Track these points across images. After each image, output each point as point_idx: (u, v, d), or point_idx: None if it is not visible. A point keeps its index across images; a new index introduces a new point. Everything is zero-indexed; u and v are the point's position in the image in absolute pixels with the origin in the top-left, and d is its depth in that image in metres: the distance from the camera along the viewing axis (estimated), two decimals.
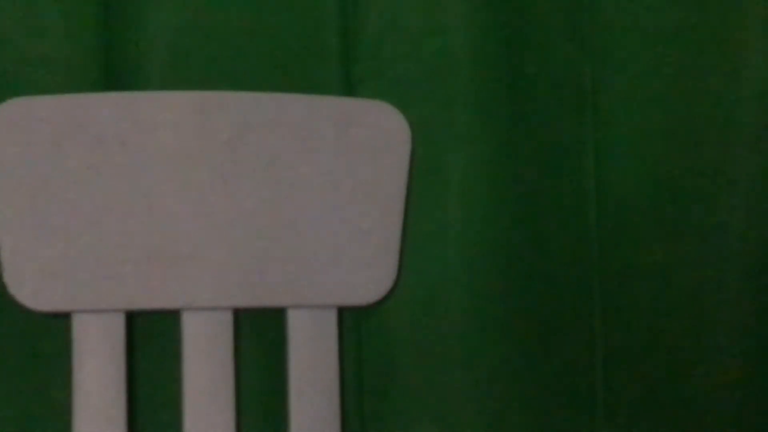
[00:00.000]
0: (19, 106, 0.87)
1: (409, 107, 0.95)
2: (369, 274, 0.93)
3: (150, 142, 0.89)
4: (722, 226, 1.03)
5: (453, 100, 0.98)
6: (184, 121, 0.90)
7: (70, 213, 0.87)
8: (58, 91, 0.91)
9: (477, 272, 0.99)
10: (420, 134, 0.96)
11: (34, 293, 0.87)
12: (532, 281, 1.00)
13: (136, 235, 0.88)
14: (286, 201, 0.91)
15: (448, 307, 0.98)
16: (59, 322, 0.89)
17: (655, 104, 1.03)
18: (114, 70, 0.93)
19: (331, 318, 0.92)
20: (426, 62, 0.98)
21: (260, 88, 0.94)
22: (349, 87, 0.96)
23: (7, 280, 0.86)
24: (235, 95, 0.91)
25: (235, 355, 0.90)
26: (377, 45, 0.97)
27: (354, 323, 0.97)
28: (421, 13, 0.97)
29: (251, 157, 0.91)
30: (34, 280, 0.87)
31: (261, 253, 0.90)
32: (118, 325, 0.88)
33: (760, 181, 1.03)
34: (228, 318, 0.90)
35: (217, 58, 0.93)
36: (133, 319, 0.92)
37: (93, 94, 0.90)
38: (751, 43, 1.03)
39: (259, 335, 0.95)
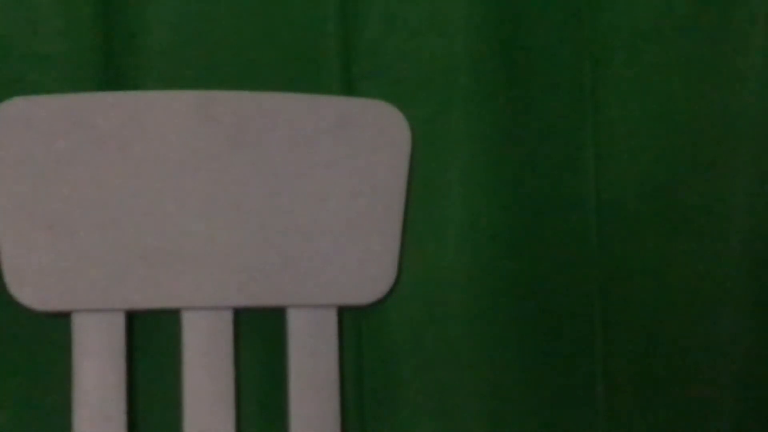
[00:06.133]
0: (19, 105, 0.87)
1: (409, 107, 0.95)
2: (369, 274, 0.93)
3: (150, 141, 0.89)
4: (722, 226, 1.03)
5: (453, 100, 0.98)
6: (184, 121, 0.90)
7: (70, 213, 0.87)
8: (58, 91, 0.91)
9: (477, 272, 0.99)
10: (420, 134, 0.96)
11: (34, 293, 0.87)
12: (531, 281, 1.00)
13: (136, 235, 0.88)
14: (285, 201, 0.91)
15: (448, 307, 0.98)
16: (59, 322, 0.89)
17: (655, 104, 1.03)
18: (114, 70, 0.93)
19: (331, 318, 0.92)
20: (426, 62, 0.98)
21: (260, 87, 0.94)
22: (348, 86, 0.96)
23: (7, 280, 0.86)
24: (235, 95, 0.91)
25: (235, 355, 0.90)
26: (377, 45, 0.97)
27: (354, 323, 0.97)
28: (421, 12, 0.97)
29: (251, 156, 0.91)
30: (34, 280, 0.87)
31: (261, 253, 0.90)
32: (118, 325, 0.88)
33: (760, 181, 1.03)
34: (228, 318, 0.90)
35: (217, 57, 0.93)
36: (133, 319, 0.91)
37: (93, 94, 0.90)
38: (752, 42, 1.03)
39: (259, 335, 0.95)
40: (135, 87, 0.92)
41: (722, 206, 1.03)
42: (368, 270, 0.93)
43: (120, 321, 0.88)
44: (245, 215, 0.90)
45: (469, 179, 0.98)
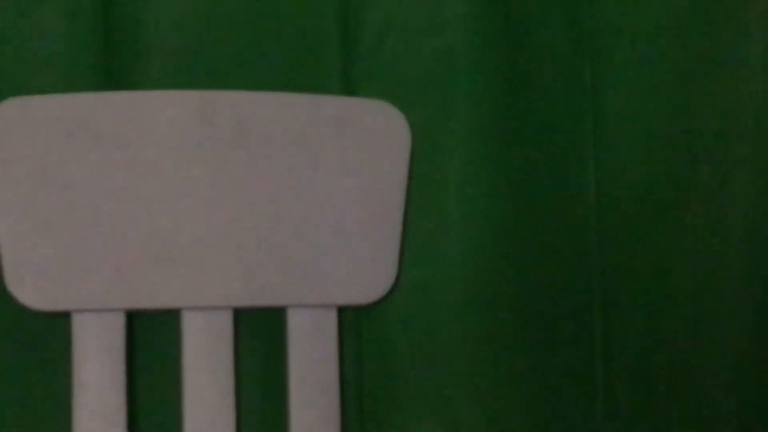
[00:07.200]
0: (19, 106, 0.87)
1: (409, 107, 0.95)
2: (369, 274, 0.93)
3: (150, 142, 0.89)
4: (722, 226, 1.03)
5: (453, 100, 0.98)
6: (184, 121, 0.90)
7: (70, 213, 0.87)
8: (58, 91, 0.91)
9: (476, 272, 0.99)
10: (420, 134, 0.96)
11: (34, 293, 0.87)
12: (531, 281, 1.00)
13: (135, 234, 0.88)
14: (286, 201, 0.91)
15: (448, 307, 0.98)
16: (59, 322, 0.89)
17: (655, 104, 1.03)
18: (114, 70, 0.93)
19: (331, 318, 0.92)
20: (426, 62, 0.98)
21: (260, 87, 0.94)
22: (349, 87, 0.96)
23: (7, 280, 0.86)
24: (235, 95, 0.91)
25: (235, 355, 0.90)
26: (377, 45, 0.97)
27: (354, 323, 0.97)
28: (421, 12, 0.97)
29: (251, 156, 0.91)
30: (34, 280, 0.87)
31: (261, 253, 0.90)
32: (118, 325, 0.88)
33: (760, 181, 1.03)
34: (228, 318, 0.90)
35: (217, 57, 0.93)
36: (133, 319, 0.91)
37: (93, 94, 0.90)
38: (752, 41, 1.03)
39: (259, 335, 0.95)
40: (135, 87, 0.92)
41: (722, 206, 1.03)
42: (368, 270, 0.93)
43: (120, 321, 0.88)
44: (245, 215, 0.90)
45: (469, 179, 0.98)
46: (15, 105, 0.87)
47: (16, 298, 0.86)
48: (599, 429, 1.02)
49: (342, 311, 0.94)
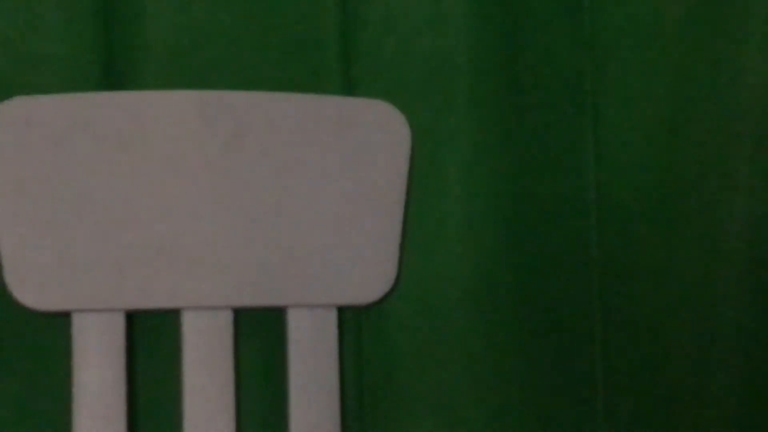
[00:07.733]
0: (19, 105, 0.87)
1: (409, 107, 0.95)
2: (369, 274, 0.93)
3: (150, 141, 0.89)
4: (722, 226, 1.03)
5: (453, 100, 0.98)
6: (184, 121, 0.90)
7: (70, 213, 0.87)
8: (58, 91, 0.91)
9: (476, 272, 0.99)
10: (420, 134, 0.96)
11: (34, 293, 0.87)
12: (531, 281, 1.00)
13: (136, 234, 0.88)
14: (285, 201, 0.91)
15: (448, 307, 0.98)
16: (59, 322, 0.89)
17: (655, 104, 1.03)
18: (114, 70, 0.93)
19: (331, 318, 0.92)
20: (426, 62, 0.98)
21: (260, 87, 0.94)
22: (348, 86, 0.96)
23: (8, 280, 0.86)
24: (235, 95, 0.91)
25: (235, 355, 0.90)
26: (377, 44, 0.97)
27: (354, 323, 0.97)
28: (421, 12, 0.97)
29: (251, 157, 0.91)
30: (34, 280, 0.87)
31: (261, 253, 0.90)
32: (118, 325, 0.88)
33: (761, 180, 1.03)
34: (228, 318, 0.90)
35: (217, 57, 0.93)
36: (133, 319, 0.91)
37: (93, 94, 0.90)
38: (752, 42, 1.03)
39: (259, 335, 0.95)
40: (135, 87, 0.92)
41: (722, 206, 1.03)
42: (368, 270, 0.93)
43: (120, 321, 0.88)
44: (245, 215, 0.90)
45: (468, 179, 0.98)
46: (15, 105, 0.87)
47: (16, 298, 0.86)
48: (599, 429, 1.02)
49: (342, 311, 0.94)
